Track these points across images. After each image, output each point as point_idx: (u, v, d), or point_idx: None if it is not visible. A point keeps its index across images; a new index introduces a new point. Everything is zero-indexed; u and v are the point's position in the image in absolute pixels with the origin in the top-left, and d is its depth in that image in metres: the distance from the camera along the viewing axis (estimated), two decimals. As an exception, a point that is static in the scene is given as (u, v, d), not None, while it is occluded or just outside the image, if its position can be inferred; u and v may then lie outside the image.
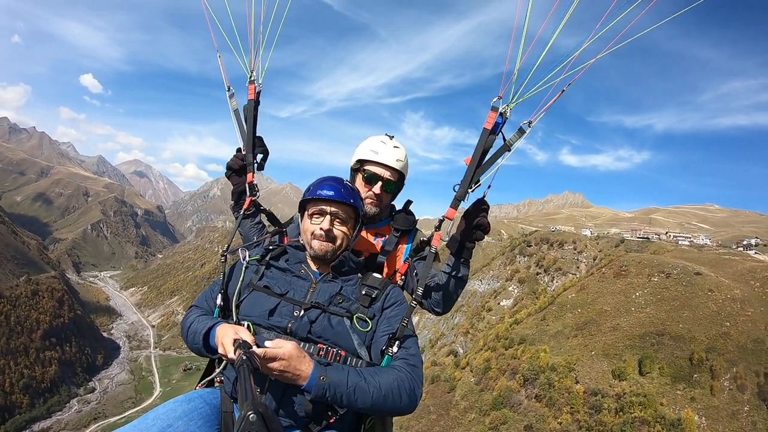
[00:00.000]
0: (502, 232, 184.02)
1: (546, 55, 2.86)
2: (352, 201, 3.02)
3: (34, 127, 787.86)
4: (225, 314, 2.97)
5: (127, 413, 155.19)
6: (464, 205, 3.21)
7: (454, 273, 3.34)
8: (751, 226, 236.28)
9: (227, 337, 2.36)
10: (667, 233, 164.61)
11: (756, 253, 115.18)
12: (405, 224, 3.70)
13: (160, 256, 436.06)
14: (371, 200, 3.65)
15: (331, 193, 2.96)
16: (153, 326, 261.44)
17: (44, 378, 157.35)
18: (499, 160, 3.13)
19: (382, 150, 3.66)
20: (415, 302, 3.02)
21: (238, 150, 4.01)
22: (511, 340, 77.47)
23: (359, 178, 3.69)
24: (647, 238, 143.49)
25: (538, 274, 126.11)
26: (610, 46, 2.74)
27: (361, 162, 3.69)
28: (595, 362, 64.09)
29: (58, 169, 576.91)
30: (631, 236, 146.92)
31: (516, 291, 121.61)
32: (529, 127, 3.05)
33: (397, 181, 3.70)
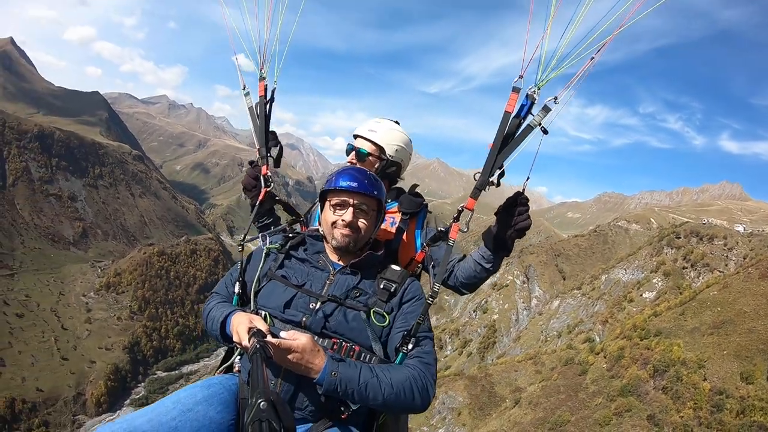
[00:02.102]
0: (652, 220, 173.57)
1: (574, 31, 2.71)
2: (375, 193, 2.99)
3: (191, 103, 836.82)
4: (243, 302, 3.01)
5: None
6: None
7: (489, 266, 3.39)
8: None
9: (242, 325, 2.38)
10: None
11: None
12: (411, 206, 3.69)
13: None
14: None
15: (355, 184, 2.93)
16: None
17: (196, 327, 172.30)
18: (523, 143, 3.01)
19: (361, 126, 3.93)
20: (431, 299, 2.92)
21: (251, 163, 4.02)
22: (648, 331, 75.36)
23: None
24: None
25: (684, 268, 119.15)
26: (632, 14, 2.55)
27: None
28: (725, 362, 61.85)
29: (214, 141, 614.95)
30: None
31: (660, 284, 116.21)
32: (556, 103, 2.90)
33: (372, 152, 3.79)
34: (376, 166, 3.81)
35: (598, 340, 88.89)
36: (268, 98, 4.00)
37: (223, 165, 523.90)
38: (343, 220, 2.90)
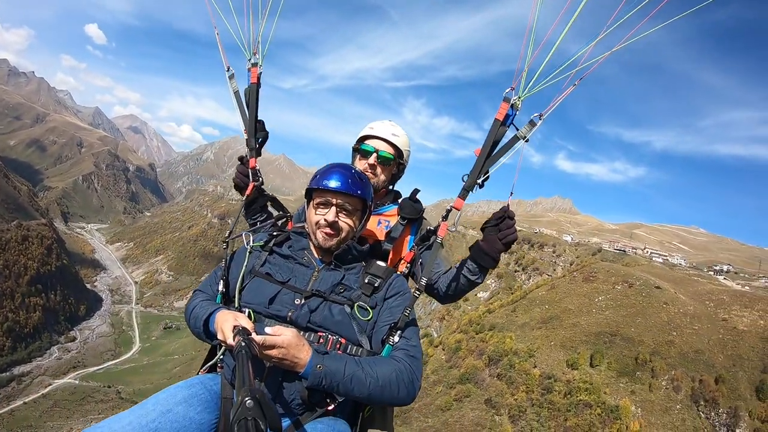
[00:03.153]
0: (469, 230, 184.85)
1: (555, 55, 2.89)
2: (359, 192, 2.92)
3: (33, 72, 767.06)
4: (227, 300, 2.99)
5: (105, 364, 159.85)
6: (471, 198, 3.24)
7: (474, 278, 3.38)
8: (729, 253, 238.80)
9: (226, 323, 2.36)
10: (644, 249, 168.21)
11: (725, 279, 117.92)
12: (412, 213, 3.63)
13: (148, 213, 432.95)
14: (367, 173, 3.66)
15: (338, 183, 2.86)
16: (136, 282, 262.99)
17: (28, 323, 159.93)
18: (509, 152, 3.13)
19: (379, 126, 3.78)
20: (418, 292, 2.97)
21: (241, 159, 3.94)
22: (482, 325, 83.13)
23: (357, 156, 3.80)
24: (624, 251, 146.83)
25: (516, 271, 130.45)
26: (622, 42, 2.75)
27: (360, 140, 3.80)
28: (553, 351, 70.22)
29: (54, 116, 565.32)
30: (609, 247, 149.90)
31: (493, 285, 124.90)
32: (540, 119, 3.04)
33: (394, 156, 3.71)
34: (393, 170, 3.81)
35: (435, 335, 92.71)
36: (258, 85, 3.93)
37: (62, 143, 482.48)
38: (325, 220, 2.87)
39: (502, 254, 3.30)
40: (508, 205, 3.15)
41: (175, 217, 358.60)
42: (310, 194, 3.05)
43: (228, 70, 3.89)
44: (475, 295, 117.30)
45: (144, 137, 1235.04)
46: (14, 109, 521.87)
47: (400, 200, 3.84)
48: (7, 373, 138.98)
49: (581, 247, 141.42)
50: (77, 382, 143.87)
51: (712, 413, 57.36)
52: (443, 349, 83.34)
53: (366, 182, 3.04)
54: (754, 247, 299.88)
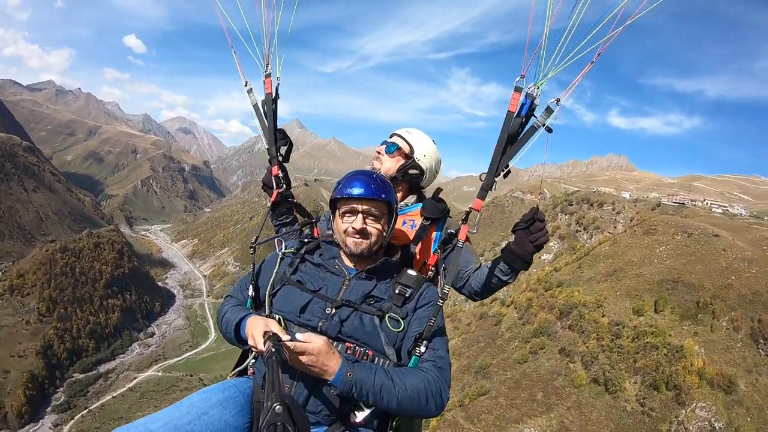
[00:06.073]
0: (545, 191, 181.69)
1: (570, 30, 2.65)
2: (383, 196, 2.89)
3: (79, 88, 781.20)
4: (257, 305, 3.01)
5: (185, 355, 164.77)
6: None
7: (506, 278, 3.35)
8: None
9: (257, 329, 2.37)
10: (704, 200, 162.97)
11: None
12: (434, 212, 3.62)
13: (208, 210, 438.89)
14: (376, 160, 3.92)
15: (361, 190, 2.85)
16: (205, 276, 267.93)
17: (108, 324, 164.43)
18: (528, 143, 3.04)
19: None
20: (441, 301, 2.88)
21: (270, 162, 4.06)
22: (550, 283, 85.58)
23: None
24: (683, 203, 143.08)
25: (577, 231, 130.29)
26: (639, 9, 2.55)
27: None
28: (619, 301, 72.27)
29: (106, 128, 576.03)
30: (668, 201, 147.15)
31: (556, 246, 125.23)
32: (558, 105, 2.95)
33: (405, 152, 3.81)
34: (400, 163, 3.84)
35: (503, 297, 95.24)
36: (274, 95, 4.04)
37: (117, 153, 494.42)
38: (353, 228, 2.88)
39: (534, 254, 3.25)
40: (537, 206, 3.17)
41: (235, 210, 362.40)
42: (334, 204, 3.05)
43: (246, 85, 4.03)
44: (540, 257, 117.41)
45: (195, 137, 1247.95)
46: (67, 126, 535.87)
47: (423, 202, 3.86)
48: (94, 372, 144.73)
49: (640, 203, 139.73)
50: (161, 373, 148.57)
51: (772, 350, 59.15)
52: (515, 308, 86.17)
53: (389, 186, 3.04)
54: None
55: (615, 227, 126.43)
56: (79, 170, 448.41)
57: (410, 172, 3.83)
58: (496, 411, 59.84)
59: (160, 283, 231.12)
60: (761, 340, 60.23)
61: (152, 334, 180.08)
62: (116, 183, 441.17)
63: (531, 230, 3.13)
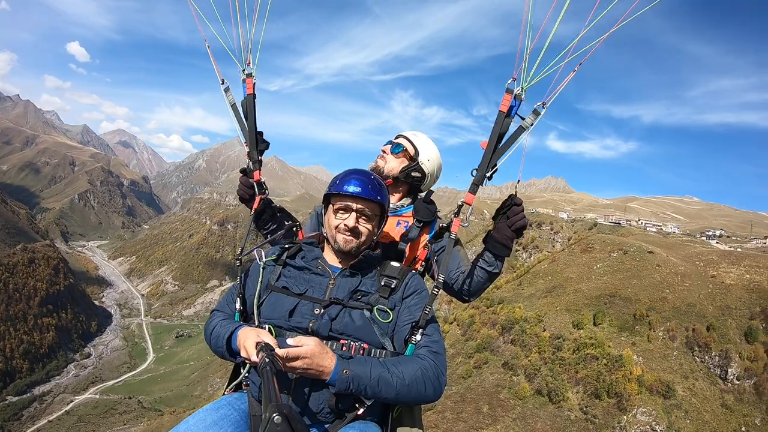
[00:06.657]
0: (485, 212, 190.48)
1: (551, 41, 2.79)
2: (378, 198, 2.94)
3: (18, 95, 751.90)
4: (245, 318, 2.97)
5: (123, 377, 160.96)
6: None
7: (491, 269, 3.38)
8: (722, 219, 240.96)
9: (249, 340, 2.32)
10: (638, 220, 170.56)
11: (717, 243, 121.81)
12: (425, 215, 3.64)
13: (147, 226, 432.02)
14: (380, 159, 3.94)
15: (358, 189, 2.89)
16: (143, 295, 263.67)
17: (42, 344, 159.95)
18: (515, 143, 3.10)
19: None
20: (437, 290, 2.95)
21: (243, 171, 3.85)
22: (492, 300, 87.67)
23: None
24: (618, 223, 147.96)
25: (516, 251, 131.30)
26: (620, 21, 2.66)
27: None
28: (559, 315, 75.36)
29: (44, 138, 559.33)
30: (605, 221, 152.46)
31: None
32: (544, 108, 3.02)
33: (410, 154, 3.85)
34: (404, 164, 3.87)
35: (445, 315, 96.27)
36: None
37: (54, 164, 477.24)
38: (345, 225, 2.90)
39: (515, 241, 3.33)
40: (515, 192, 3.23)
41: (174, 227, 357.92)
42: (328, 199, 3.08)
43: (223, 84, 3.81)
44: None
45: (134, 151, 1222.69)
46: (3, 134, 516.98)
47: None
48: (28, 394, 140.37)
49: (577, 223, 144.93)
50: (98, 396, 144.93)
51: (706, 357, 62.36)
52: (458, 325, 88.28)
53: (384, 188, 3.09)
54: (748, 212, 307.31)
55: (553, 246, 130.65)
56: (14, 181, 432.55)
57: (413, 174, 3.88)
58: (443, 425, 60.63)
59: (96, 302, 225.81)
60: (696, 348, 64.01)
61: (88, 355, 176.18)
62: (53, 196, 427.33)
63: (508, 215, 3.23)
